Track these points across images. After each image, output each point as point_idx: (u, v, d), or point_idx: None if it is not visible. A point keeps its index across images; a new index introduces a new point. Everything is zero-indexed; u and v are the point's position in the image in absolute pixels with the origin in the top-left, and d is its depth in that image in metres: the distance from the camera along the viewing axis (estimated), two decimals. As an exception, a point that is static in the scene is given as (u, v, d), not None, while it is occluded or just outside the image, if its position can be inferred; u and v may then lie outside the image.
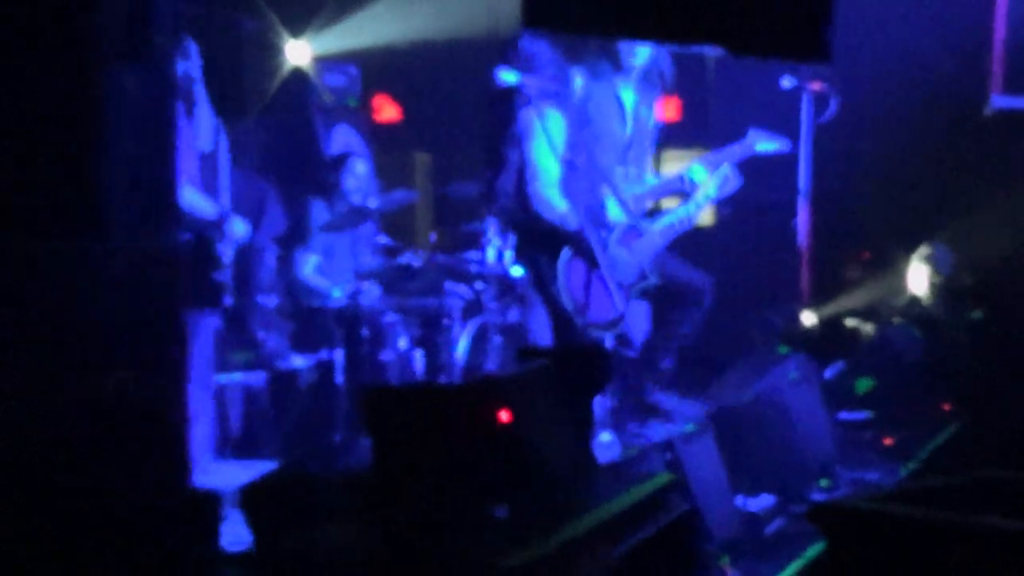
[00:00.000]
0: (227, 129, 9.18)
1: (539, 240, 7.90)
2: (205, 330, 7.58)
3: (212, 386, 8.08)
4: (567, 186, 7.76)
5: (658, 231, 8.08)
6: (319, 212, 9.61)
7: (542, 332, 8.17)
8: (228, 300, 7.88)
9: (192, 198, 7.34)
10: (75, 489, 4.10)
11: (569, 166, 7.78)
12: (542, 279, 7.90)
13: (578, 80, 7.92)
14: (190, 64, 7.62)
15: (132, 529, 4.20)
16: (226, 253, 7.74)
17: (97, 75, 4.39)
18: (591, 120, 7.92)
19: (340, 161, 9.97)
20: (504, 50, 7.94)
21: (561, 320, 7.86)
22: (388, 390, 6.63)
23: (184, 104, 7.56)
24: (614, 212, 8.00)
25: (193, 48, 7.72)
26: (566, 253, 7.78)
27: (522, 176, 7.83)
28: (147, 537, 4.24)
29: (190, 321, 6.31)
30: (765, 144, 8.35)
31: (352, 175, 9.74)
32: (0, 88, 4.08)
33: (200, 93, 7.65)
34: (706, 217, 12.06)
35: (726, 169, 8.22)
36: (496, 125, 8.02)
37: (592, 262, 7.75)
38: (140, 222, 4.53)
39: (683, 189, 8.23)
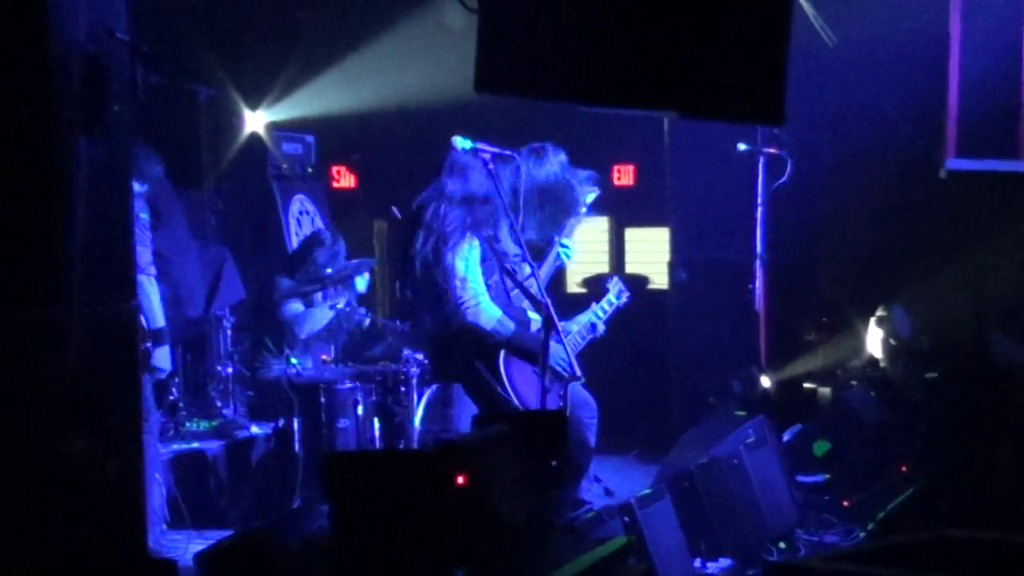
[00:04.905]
0: (185, 197, 9.22)
1: (471, 348, 7.70)
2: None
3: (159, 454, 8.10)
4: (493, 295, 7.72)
5: (576, 331, 8.03)
6: (285, 287, 9.58)
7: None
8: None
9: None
10: (37, 555, 4.08)
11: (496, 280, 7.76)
12: (484, 385, 7.69)
13: None
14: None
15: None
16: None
17: (54, 145, 4.39)
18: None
19: (313, 240, 9.94)
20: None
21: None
22: (346, 456, 6.61)
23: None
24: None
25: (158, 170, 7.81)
26: (503, 355, 7.66)
27: (442, 288, 7.62)
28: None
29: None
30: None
31: (324, 250, 9.72)
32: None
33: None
34: (663, 280, 12.12)
35: (618, 283, 8.28)
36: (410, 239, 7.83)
37: (529, 359, 7.61)
38: (98, 289, 4.53)
39: None
